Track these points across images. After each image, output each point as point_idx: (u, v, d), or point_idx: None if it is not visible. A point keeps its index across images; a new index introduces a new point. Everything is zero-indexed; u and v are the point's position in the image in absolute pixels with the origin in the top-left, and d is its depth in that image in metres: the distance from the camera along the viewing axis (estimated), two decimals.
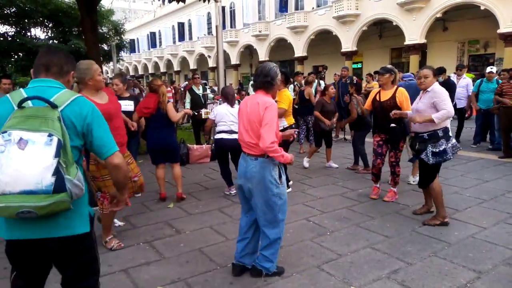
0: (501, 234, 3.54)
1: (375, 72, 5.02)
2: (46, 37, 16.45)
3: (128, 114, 4.80)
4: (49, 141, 1.48)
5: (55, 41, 16.01)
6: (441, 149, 3.67)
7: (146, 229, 3.82)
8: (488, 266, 2.93)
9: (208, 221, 4.03)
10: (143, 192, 3.84)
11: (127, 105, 4.92)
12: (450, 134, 3.84)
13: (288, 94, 4.91)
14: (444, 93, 3.72)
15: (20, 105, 1.56)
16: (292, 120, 5.05)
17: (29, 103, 1.59)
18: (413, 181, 5.20)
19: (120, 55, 21.38)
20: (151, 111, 4.49)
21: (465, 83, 8.26)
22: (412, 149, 3.96)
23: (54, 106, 1.59)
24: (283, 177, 2.69)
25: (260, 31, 28.65)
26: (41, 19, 15.38)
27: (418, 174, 4.39)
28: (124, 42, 20.31)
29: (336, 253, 3.21)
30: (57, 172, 1.48)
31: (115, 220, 3.92)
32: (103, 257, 3.14)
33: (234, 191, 4.90)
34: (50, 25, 16.18)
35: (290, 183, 5.24)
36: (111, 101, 3.29)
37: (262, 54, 29.49)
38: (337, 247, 3.33)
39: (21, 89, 1.67)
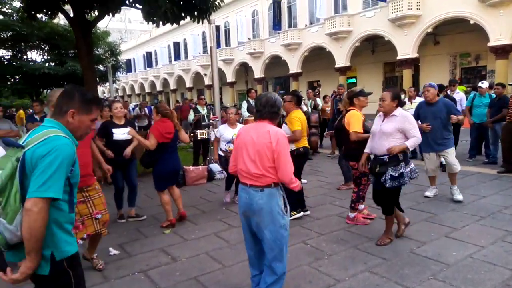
0: (499, 253, 3.51)
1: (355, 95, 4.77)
2: (43, 60, 16.59)
3: (125, 142, 4.73)
4: None
5: (51, 63, 16.14)
6: (399, 172, 3.65)
7: (141, 257, 3.76)
8: None
9: (204, 247, 3.98)
10: (103, 233, 3.40)
11: (124, 133, 4.71)
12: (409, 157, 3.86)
13: (299, 115, 4.77)
14: (413, 119, 3.85)
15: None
16: (304, 143, 4.81)
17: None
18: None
19: (116, 75, 21.53)
20: (172, 136, 4.56)
21: (458, 98, 8.33)
22: (372, 172, 3.87)
23: (19, 147, 1.64)
24: (287, 207, 2.65)
25: (254, 49, 29.00)
26: (37, 42, 15.54)
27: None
28: (120, 63, 20.49)
29: (334, 279, 3.17)
30: None
31: (110, 249, 3.88)
32: None
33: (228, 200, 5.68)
34: (46, 48, 16.35)
35: (308, 212, 4.96)
36: None
37: (257, 71, 29.77)
38: (335, 272, 3.29)
39: None
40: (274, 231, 2.53)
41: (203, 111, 8.62)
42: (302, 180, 6.53)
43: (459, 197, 5.15)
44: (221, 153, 5.71)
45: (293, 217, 4.74)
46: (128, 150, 4.70)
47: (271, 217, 2.52)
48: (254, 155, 2.54)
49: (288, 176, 2.51)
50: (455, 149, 8.16)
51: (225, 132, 5.56)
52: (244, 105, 9.19)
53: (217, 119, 8.49)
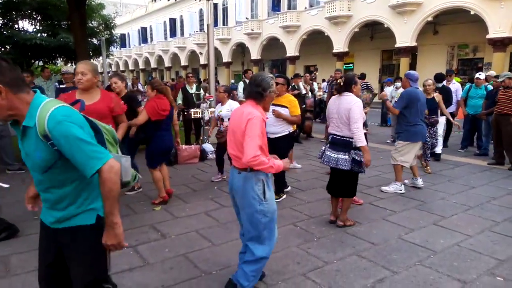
0: (486, 242, 3.57)
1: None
2: (34, 30, 16.12)
3: None
4: None
5: (43, 34, 15.70)
6: None
7: (130, 232, 3.74)
8: (473, 276, 2.95)
9: (194, 225, 3.97)
10: None
11: None
12: None
13: (294, 98, 4.87)
14: None
15: None
16: (295, 126, 5.03)
17: None
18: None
19: (110, 50, 21.06)
20: (168, 113, 4.49)
21: (454, 88, 8.33)
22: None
23: None
24: (268, 193, 2.52)
25: (252, 30, 28.57)
26: (29, 11, 15.07)
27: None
28: (115, 37, 20.01)
29: (323, 261, 3.19)
30: None
31: None
32: None
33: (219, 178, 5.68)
34: (38, 18, 15.86)
35: (289, 188, 5.18)
36: (98, 102, 3.26)
37: (254, 52, 29.43)
38: (323, 254, 3.31)
39: None
40: (249, 214, 2.51)
41: (191, 90, 8.25)
42: (296, 165, 6.57)
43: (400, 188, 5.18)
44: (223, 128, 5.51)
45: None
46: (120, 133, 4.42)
47: (246, 200, 2.49)
48: (232, 136, 2.55)
49: (246, 157, 2.31)
50: (445, 141, 8.24)
51: (218, 110, 5.58)
52: (240, 86, 9.08)
53: (212, 99, 8.39)
